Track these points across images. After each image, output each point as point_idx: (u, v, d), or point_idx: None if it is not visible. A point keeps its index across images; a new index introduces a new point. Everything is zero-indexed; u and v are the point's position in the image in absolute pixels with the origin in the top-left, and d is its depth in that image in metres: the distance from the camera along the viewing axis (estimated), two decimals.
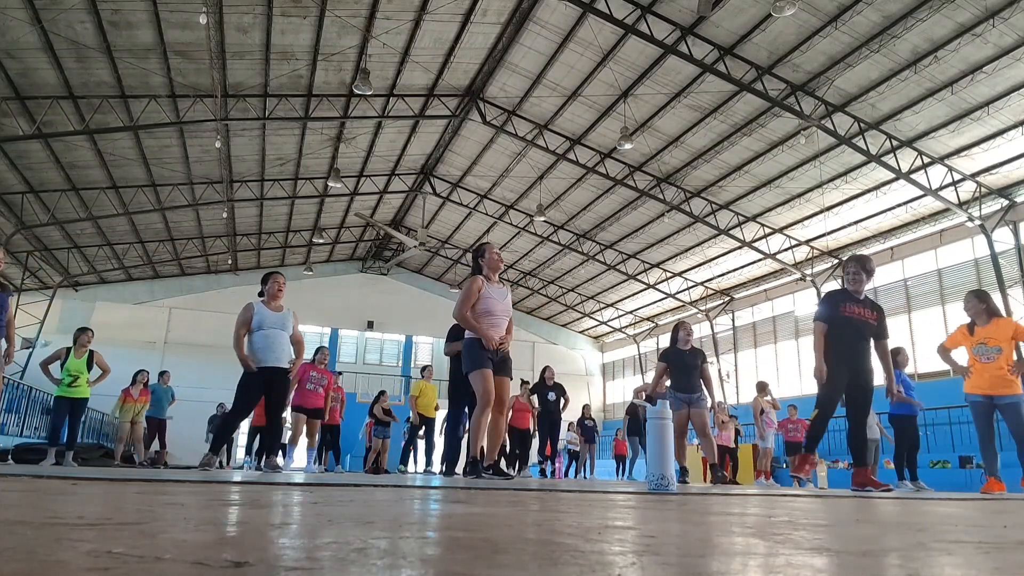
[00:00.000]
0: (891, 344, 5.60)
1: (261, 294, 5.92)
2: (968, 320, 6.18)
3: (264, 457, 6.27)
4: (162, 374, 11.96)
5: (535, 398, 11.18)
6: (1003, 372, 5.85)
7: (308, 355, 8.32)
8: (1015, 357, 5.93)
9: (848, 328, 5.25)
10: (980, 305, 6.13)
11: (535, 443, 11.91)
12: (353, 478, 4.93)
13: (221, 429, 5.97)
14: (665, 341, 26.83)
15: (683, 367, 7.15)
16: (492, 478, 4.81)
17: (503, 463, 14.09)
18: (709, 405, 7.16)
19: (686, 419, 7.09)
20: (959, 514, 2.32)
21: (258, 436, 11.31)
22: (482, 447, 4.99)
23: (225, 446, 13.67)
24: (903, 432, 8.00)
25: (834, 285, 19.23)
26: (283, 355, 5.77)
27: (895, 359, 8.01)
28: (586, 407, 14.46)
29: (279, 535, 1.08)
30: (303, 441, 9.01)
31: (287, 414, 8.62)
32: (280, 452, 7.12)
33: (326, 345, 9.67)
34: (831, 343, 5.27)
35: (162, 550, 0.82)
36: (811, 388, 19.00)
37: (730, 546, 1.14)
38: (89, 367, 8.20)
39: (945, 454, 12.67)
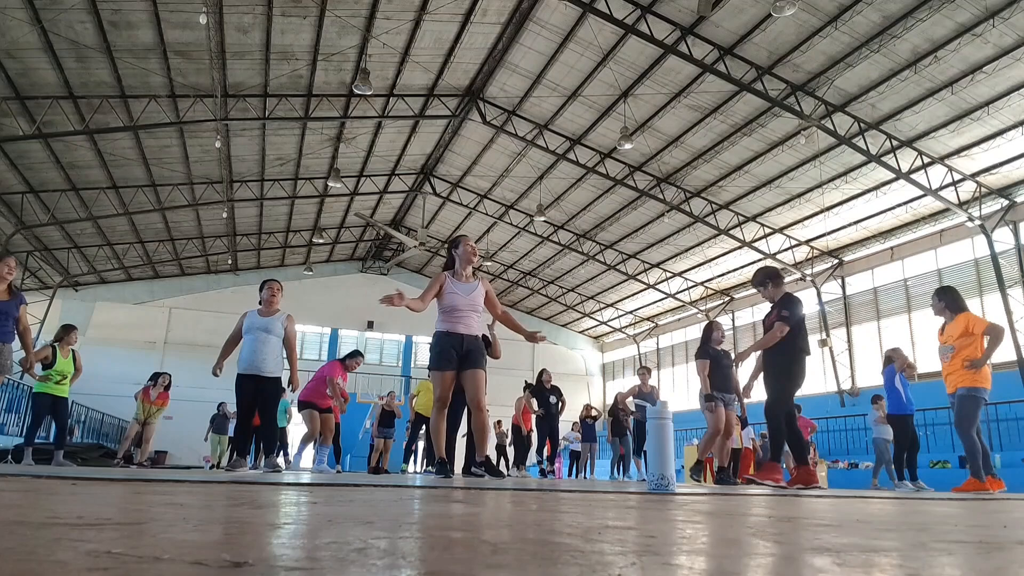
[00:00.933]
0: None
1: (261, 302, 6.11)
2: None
3: (264, 457, 6.32)
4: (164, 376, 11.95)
5: (534, 401, 11.19)
6: (954, 367, 5.81)
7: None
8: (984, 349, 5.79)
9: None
10: (939, 304, 6.04)
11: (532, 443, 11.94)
12: (353, 478, 4.93)
13: (237, 433, 6.16)
14: (665, 341, 26.85)
15: (720, 367, 7.12)
16: (483, 475, 4.80)
17: (502, 463, 14.13)
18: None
19: (725, 418, 7.02)
20: (959, 514, 2.32)
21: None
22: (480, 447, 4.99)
23: (228, 447, 13.71)
24: (900, 432, 7.98)
25: (834, 285, 19.25)
26: (267, 361, 5.85)
27: (891, 359, 8.00)
28: (587, 406, 14.45)
29: (279, 535, 1.08)
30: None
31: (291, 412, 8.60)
32: (281, 451, 7.12)
33: (360, 351, 9.63)
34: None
35: (161, 550, 0.82)
36: (811, 389, 19.01)
37: (730, 546, 1.14)
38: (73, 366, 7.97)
39: (945, 454, 12.67)
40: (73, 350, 8.00)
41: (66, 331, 7.97)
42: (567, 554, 0.90)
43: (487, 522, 1.48)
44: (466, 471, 7.65)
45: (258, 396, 5.87)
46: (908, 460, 8.01)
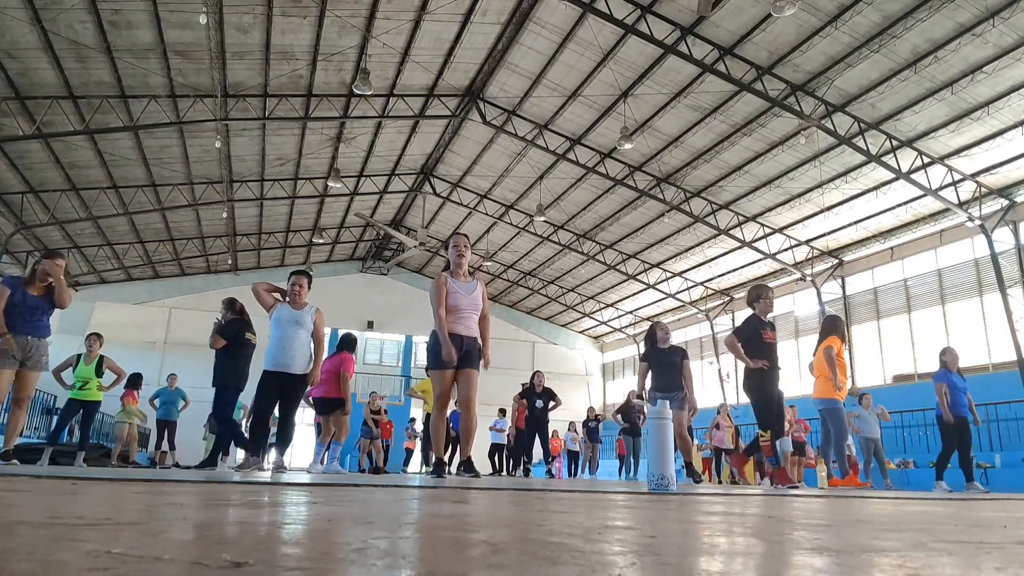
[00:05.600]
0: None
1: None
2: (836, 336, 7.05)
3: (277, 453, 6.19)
4: (171, 377, 12.02)
5: (525, 402, 11.16)
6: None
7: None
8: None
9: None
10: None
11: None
12: (353, 478, 4.93)
13: (252, 432, 5.97)
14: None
15: (662, 366, 7.21)
16: (463, 475, 4.77)
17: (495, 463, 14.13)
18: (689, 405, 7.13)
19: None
20: (959, 514, 2.32)
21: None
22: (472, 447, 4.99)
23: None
24: (945, 432, 7.81)
25: (834, 285, 19.23)
26: (296, 358, 5.68)
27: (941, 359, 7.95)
28: (590, 409, 14.51)
29: (279, 535, 1.08)
30: (310, 435, 8.91)
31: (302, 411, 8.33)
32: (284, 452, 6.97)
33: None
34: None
35: (161, 550, 0.82)
36: (809, 389, 19.01)
37: (730, 546, 1.14)
38: (99, 373, 8.14)
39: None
40: (103, 356, 8.22)
41: (88, 339, 8.27)
42: (567, 554, 0.90)
43: (487, 522, 1.48)
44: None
45: (282, 393, 5.71)
46: (961, 460, 7.77)
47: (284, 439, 6.01)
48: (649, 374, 7.22)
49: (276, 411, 5.97)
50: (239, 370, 6.74)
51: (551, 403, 10.89)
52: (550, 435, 11.52)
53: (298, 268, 6.10)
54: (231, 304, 7.02)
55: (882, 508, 2.66)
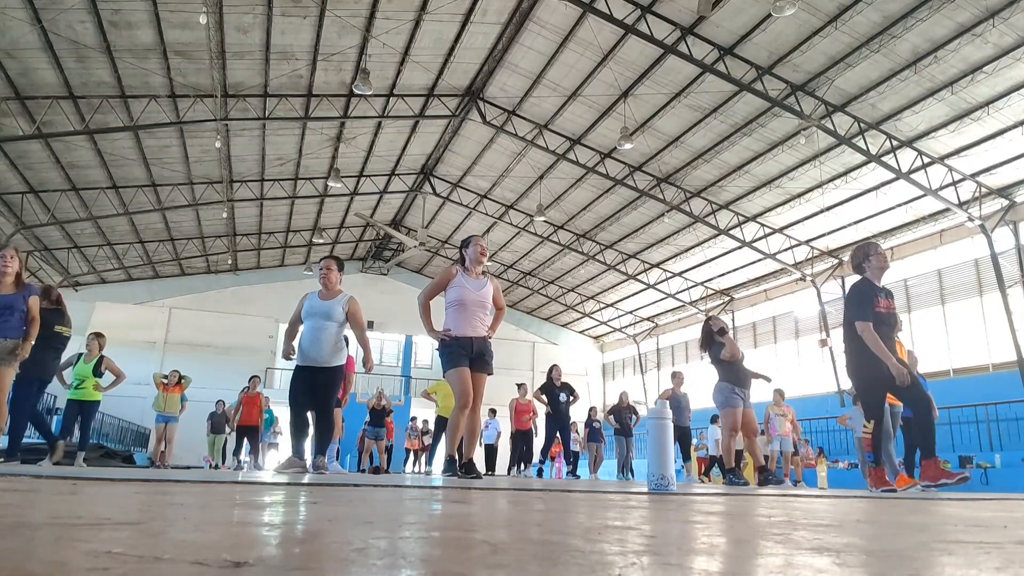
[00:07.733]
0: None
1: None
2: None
3: (310, 455, 5.84)
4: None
5: (544, 397, 11.06)
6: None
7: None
8: None
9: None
10: None
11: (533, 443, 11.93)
12: (353, 478, 4.93)
13: (294, 429, 5.64)
14: (665, 341, 26.86)
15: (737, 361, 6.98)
16: (465, 477, 4.75)
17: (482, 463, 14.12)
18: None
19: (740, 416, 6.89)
20: (959, 514, 2.32)
21: (245, 437, 11.62)
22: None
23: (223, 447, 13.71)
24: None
25: (834, 285, 19.23)
26: (324, 351, 5.42)
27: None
28: (592, 409, 14.49)
29: (279, 535, 1.08)
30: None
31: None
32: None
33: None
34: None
35: (161, 550, 0.82)
36: (812, 389, 19.01)
37: (730, 546, 1.14)
38: (98, 373, 8.02)
39: (945, 454, 12.65)
40: (103, 356, 8.11)
41: (89, 338, 8.16)
42: (567, 554, 0.90)
43: (487, 522, 1.48)
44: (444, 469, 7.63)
45: (314, 388, 5.43)
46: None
47: (322, 436, 5.60)
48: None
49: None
50: (46, 362, 6.55)
51: (572, 397, 10.78)
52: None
53: (328, 255, 5.84)
54: (47, 292, 6.71)
55: (882, 508, 2.66)
